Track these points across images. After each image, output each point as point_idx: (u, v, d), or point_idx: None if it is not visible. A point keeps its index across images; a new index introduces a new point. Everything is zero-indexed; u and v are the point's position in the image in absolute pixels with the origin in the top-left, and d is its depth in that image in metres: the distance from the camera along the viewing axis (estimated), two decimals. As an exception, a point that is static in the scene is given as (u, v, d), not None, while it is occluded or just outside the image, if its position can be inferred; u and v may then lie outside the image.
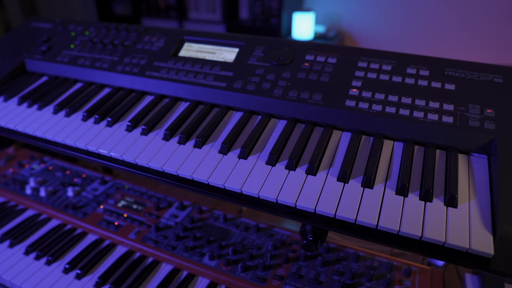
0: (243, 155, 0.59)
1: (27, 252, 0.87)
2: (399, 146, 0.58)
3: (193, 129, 0.66)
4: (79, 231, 0.94)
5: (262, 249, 0.84)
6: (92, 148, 0.66)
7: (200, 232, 0.90)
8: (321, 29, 2.49)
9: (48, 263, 0.84)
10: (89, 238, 0.92)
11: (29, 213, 1.01)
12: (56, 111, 0.76)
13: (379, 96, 0.61)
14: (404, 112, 0.58)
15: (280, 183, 0.53)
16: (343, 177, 0.52)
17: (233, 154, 0.60)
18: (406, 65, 0.65)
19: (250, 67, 0.72)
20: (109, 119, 0.70)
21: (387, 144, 0.58)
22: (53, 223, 0.97)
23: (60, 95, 0.81)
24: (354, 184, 0.52)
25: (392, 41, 2.52)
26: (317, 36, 2.42)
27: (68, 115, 0.74)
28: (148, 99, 0.77)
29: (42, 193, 1.03)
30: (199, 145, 0.62)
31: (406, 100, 0.60)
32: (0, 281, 0.82)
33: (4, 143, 1.07)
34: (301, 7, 2.61)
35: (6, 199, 1.05)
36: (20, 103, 0.80)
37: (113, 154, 0.63)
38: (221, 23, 2.70)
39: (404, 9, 2.40)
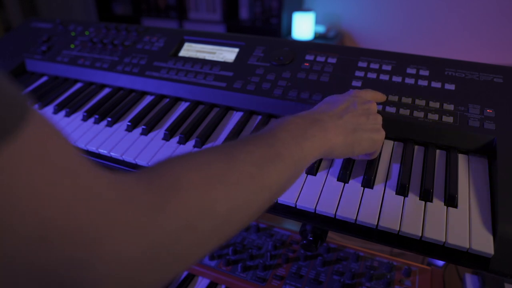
0: (243, 155, 0.58)
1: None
2: (399, 146, 0.58)
3: (193, 129, 0.66)
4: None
5: (262, 249, 0.84)
6: (92, 148, 0.66)
7: (200, 232, 0.90)
8: (321, 29, 2.49)
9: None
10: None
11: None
12: (56, 111, 0.76)
13: (379, 96, 0.61)
14: (404, 112, 0.58)
15: (280, 183, 0.53)
16: (343, 177, 0.52)
17: (233, 154, 0.60)
18: (406, 65, 0.65)
19: (250, 67, 0.72)
20: (109, 119, 0.70)
21: (387, 144, 0.58)
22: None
23: (60, 95, 0.81)
24: (354, 184, 0.52)
25: (392, 41, 2.52)
26: (317, 36, 2.42)
27: (68, 115, 0.74)
28: (148, 99, 0.77)
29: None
30: (199, 145, 0.62)
31: (406, 100, 0.60)
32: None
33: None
34: (301, 7, 2.60)
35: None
36: (20, 103, 0.80)
37: (113, 154, 0.63)
38: (221, 23, 2.70)
39: (404, 9, 2.40)
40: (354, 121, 0.48)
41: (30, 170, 0.20)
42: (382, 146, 0.57)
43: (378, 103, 0.60)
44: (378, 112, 0.58)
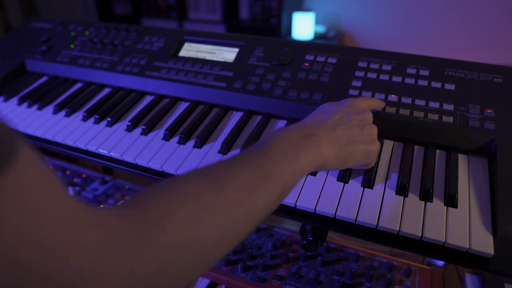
0: (243, 155, 0.58)
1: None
2: (399, 146, 0.58)
3: (193, 129, 0.66)
4: (79, 231, 0.94)
5: (262, 249, 0.84)
6: (92, 148, 0.66)
7: (200, 232, 0.89)
8: (321, 29, 2.49)
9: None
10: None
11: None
12: (56, 111, 0.76)
13: (379, 96, 0.61)
14: (404, 112, 0.58)
15: (280, 183, 0.53)
16: (343, 177, 0.52)
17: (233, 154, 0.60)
18: (406, 65, 0.65)
19: (250, 67, 0.72)
20: (109, 119, 0.70)
21: (387, 144, 0.58)
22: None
23: (60, 95, 0.81)
24: (354, 184, 0.52)
25: (392, 41, 2.52)
26: (317, 36, 2.42)
27: (68, 115, 0.74)
28: (148, 99, 0.77)
29: (42, 193, 1.03)
30: (199, 145, 0.62)
31: (406, 100, 0.60)
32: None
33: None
34: (301, 7, 2.60)
35: (6, 199, 1.05)
36: (20, 103, 0.80)
37: (113, 154, 0.63)
38: (221, 23, 2.70)
39: (404, 9, 2.40)
40: (348, 133, 0.46)
41: (13, 213, 0.20)
42: (382, 145, 0.57)
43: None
44: (377, 115, 0.58)
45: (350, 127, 0.47)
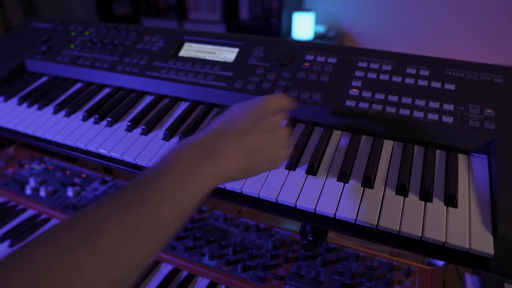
0: (243, 155, 0.58)
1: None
2: (399, 146, 0.58)
3: (193, 129, 0.66)
4: (79, 231, 0.94)
5: (262, 249, 0.84)
6: (92, 148, 0.66)
7: (200, 232, 0.90)
8: (321, 29, 2.49)
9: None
10: (89, 238, 0.92)
11: (29, 213, 1.01)
12: (56, 111, 0.76)
13: (379, 96, 0.61)
14: (404, 112, 0.58)
15: (280, 183, 0.53)
16: (343, 177, 0.52)
17: (233, 154, 0.59)
18: (406, 65, 0.65)
19: (250, 67, 0.72)
20: (109, 119, 0.70)
21: (387, 144, 0.58)
22: (53, 223, 0.97)
23: (60, 95, 0.81)
24: (354, 184, 0.52)
25: (392, 41, 2.52)
26: (317, 36, 2.42)
27: (68, 115, 0.74)
28: (148, 99, 0.77)
29: (42, 193, 1.03)
30: (199, 145, 0.62)
31: (406, 100, 0.60)
32: None
33: (4, 143, 1.07)
34: (301, 7, 2.60)
35: (6, 199, 1.05)
36: (20, 103, 0.80)
37: (113, 154, 0.63)
38: (221, 23, 2.70)
39: (404, 9, 2.40)
40: (255, 141, 0.44)
41: None
42: (382, 145, 0.57)
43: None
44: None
45: (259, 133, 0.45)
